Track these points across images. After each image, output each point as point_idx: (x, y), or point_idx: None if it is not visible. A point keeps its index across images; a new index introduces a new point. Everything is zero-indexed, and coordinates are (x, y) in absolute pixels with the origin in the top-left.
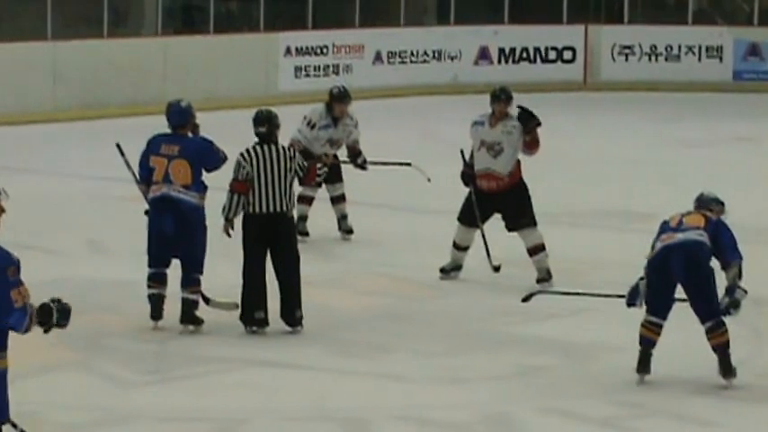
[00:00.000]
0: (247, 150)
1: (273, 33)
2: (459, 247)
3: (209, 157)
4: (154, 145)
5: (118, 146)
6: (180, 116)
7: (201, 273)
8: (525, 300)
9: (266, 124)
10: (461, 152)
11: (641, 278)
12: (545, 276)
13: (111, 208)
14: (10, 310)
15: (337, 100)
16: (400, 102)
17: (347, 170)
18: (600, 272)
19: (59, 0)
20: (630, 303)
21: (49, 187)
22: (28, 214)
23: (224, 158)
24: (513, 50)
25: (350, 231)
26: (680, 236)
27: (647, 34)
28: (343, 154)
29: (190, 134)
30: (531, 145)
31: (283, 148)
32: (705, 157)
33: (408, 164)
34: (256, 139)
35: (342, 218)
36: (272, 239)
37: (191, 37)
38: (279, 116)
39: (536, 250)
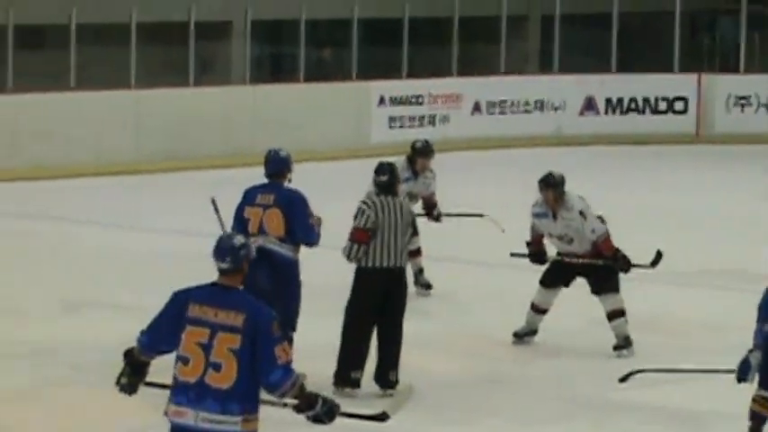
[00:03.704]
0: (370, 198)
1: (366, 82)
2: (538, 310)
3: (301, 209)
4: (250, 196)
5: (213, 201)
6: (278, 165)
7: (295, 330)
8: (623, 380)
9: (388, 174)
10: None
11: (750, 350)
12: (622, 343)
13: (196, 264)
14: (273, 367)
15: (420, 154)
16: (500, 153)
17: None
18: (716, 334)
19: (144, 48)
20: (741, 379)
21: (129, 242)
22: (108, 270)
23: (317, 233)
24: (620, 100)
25: (428, 286)
26: None
27: (765, 84)
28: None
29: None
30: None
31: (403, 200)
32: None
33: (482, 215)
34: (375, 189)
35: (418, 272)
36: (385, 296)
37: (280, 86)
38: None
39: (615, 315)
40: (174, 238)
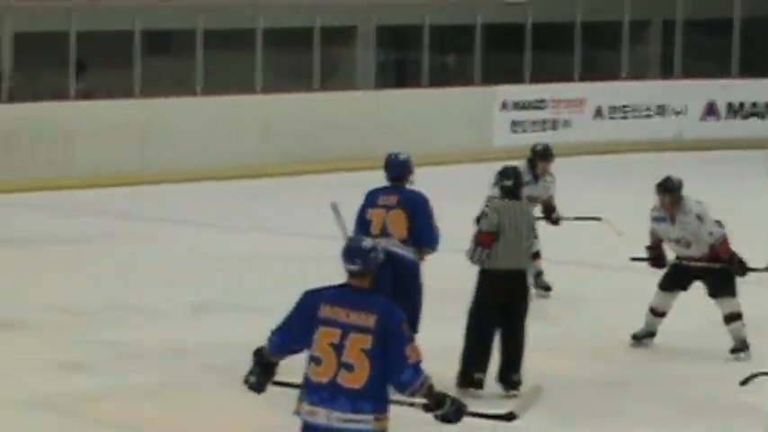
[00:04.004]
0: (494, 202)
1: (489, 87)
2: (657, 313)
3: (424, 211)
4: (372, 197)
5: (333, 205)
6: (398, 168)
7: (417, 332)
8: (744, 383)
9: (513, 179)
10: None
11: None
12: (740, 347)
13: (322, 266)
14: (404, 366)
15: (541, 157)
16: (620, 158)
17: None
18: None
19: (269, 53)
20: None
21: (256, 244)
22: (235, 272)
23: (438, 231)
24: (742, 105)
25: (547, 288)
26: None
27: None
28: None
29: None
30: (721, 251)
31: (526, 204)
32: None
33: (599, 219)
34: (499, 193)
35: (538, 275)
36: (508, 298)
37: (404, 90)
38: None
39: (732, 318)
40: (299, 241)
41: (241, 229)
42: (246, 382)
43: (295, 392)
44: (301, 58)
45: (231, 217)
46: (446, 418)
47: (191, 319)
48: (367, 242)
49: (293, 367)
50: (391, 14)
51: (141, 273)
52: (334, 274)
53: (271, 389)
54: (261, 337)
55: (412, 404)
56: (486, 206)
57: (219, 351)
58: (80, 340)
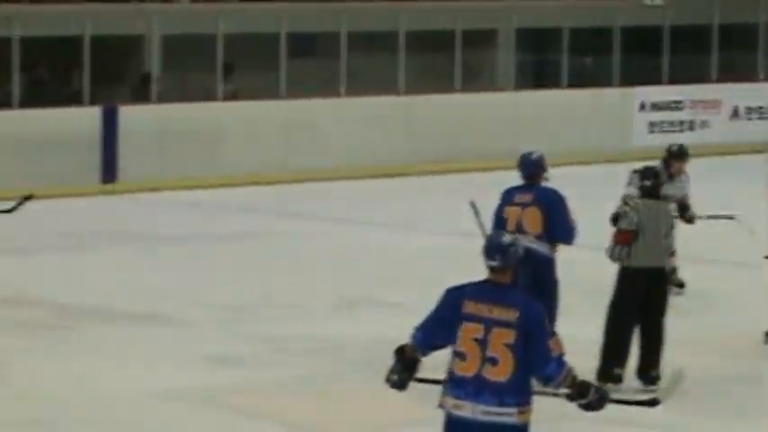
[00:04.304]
0: (633, 201)
1: (628, 88)
2: None
3: (559, 208)
4: (508, 196)
5: (472, 204)
6: (531, 167)
7: (554, 328)
8: None
9: (653, 179)
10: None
11: None
12: None
13: (464, 263)
14: (548, 359)
15: (676, 157)
16: (757, 158)
17: None
18: None
19: (412, 55)
20: None
21: (399, 242)
22: (382, 269)
23: (574, 227)
24: None
25: (681, 285)
26: None
27: None
28: None
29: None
30: None
31: (665, 204)
32: None
33: (733, 217)
34: (638, 192)
35: (672, 271)
36: (647, 295)
37: (543, 92)
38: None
39: None
40: (441, 239)
41: (384, 227)
42: (389, 380)
43: (437, 387)
44: (443, 59)
45: (375, 215)
46: (590, 407)
47: (338, 314)
48: (506, 238)
49: (435, 364)
50: (531, 18)
51: (287, 269)
52: (477, 270)
53: (413, 385)
54: (405, 333)
55: (556, 394)
56: (624, 205)
57: (365, 346)
58: (229, 335)
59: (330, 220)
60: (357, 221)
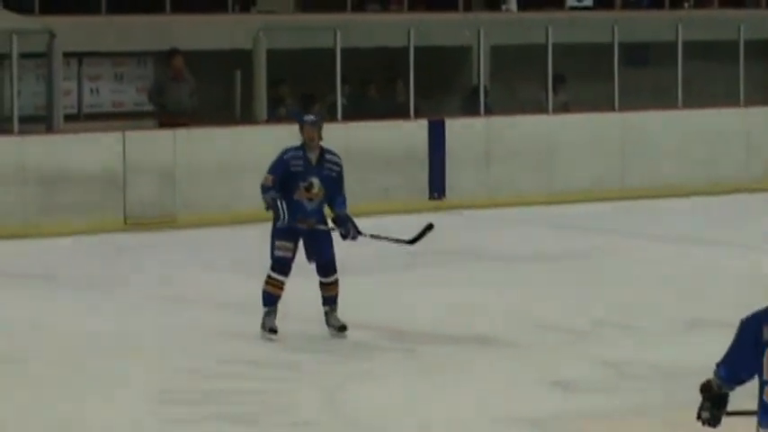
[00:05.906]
0: None
1: None
2: None
3: None
4: None
5: None
6: None
7: None
8: None
9: None
10: None
11: None
12: None
13: None
14: None
15: None
16: None
17: None
18: None
19: (752, 65)
20: None
21: (749, 261)
22: (725, 289)
23: None
24: None
25: None
26: None
27: None
28: None
29: None
30: None
31: None
32: None
33: None
34: None
35: None
36: None
37: None
38: None
39: None
40: None
41: (735, 245)
42: (700, 417)
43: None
44: None
45: (723, 233)
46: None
47: (681, 336)
48: None
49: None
50: None
51: (623, 289)
52: None
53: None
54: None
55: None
56: None
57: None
58: (569, 359)
59: (664, 239)
60: (694, 239)
